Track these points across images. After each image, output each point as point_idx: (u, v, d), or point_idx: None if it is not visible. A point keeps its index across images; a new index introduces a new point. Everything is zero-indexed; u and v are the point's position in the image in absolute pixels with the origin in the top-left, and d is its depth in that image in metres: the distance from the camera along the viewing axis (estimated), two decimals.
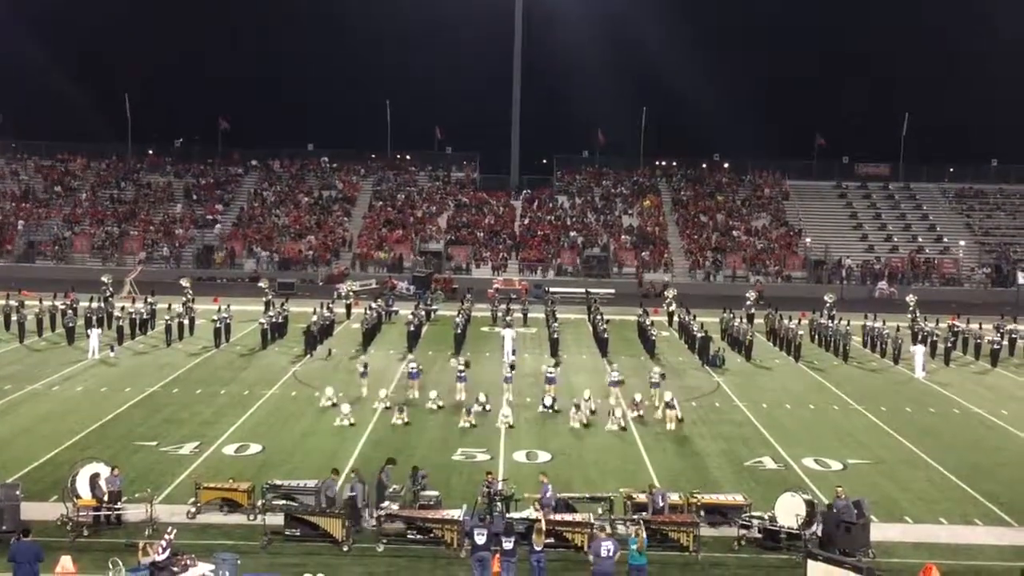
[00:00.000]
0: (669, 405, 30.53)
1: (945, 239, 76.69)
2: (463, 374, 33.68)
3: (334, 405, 31.24)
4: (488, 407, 31.44)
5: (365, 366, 34.57)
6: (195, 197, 79.43)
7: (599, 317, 46.15)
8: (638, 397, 31.86)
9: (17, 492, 20.37)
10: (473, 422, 29.87)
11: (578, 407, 30.57)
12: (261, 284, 52.85)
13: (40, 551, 17.22)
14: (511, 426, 29.90)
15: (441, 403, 32.06)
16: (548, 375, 33.62)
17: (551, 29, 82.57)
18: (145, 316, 45.28)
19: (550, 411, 31.65)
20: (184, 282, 51.26)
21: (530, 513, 20.12)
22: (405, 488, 21.87)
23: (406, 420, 29.99)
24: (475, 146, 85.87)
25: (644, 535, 18.52)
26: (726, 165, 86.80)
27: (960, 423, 32.52)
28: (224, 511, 21.58)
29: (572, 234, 75.83)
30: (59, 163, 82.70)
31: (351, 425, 29.39)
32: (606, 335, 43.27)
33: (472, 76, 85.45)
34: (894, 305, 59.06)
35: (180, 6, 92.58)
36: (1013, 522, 22.51)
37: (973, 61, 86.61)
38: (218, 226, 75.33)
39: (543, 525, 18.78)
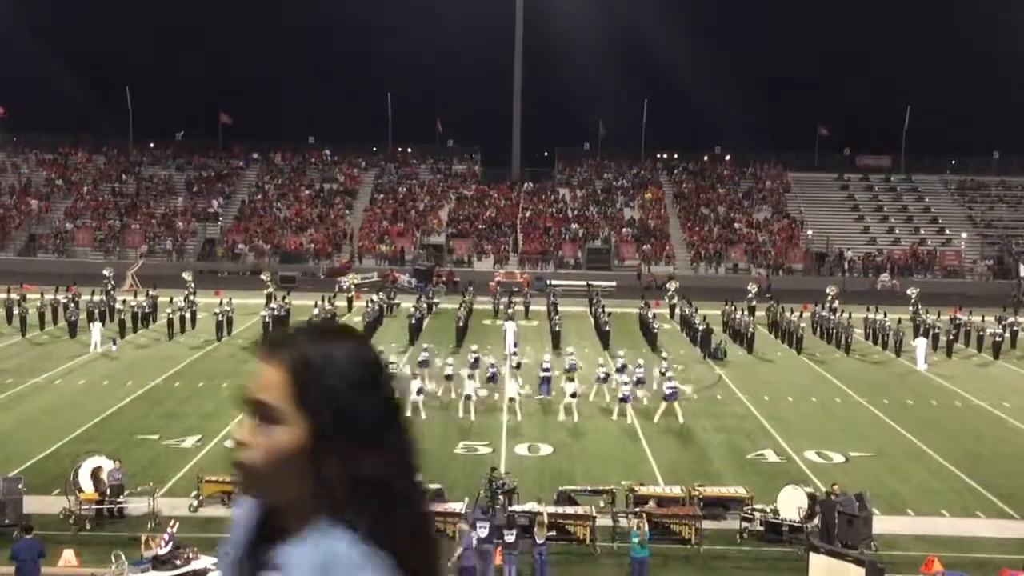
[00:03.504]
0: (666, 398, 30.29)
1: (947, 231, 76.60)
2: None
3: None
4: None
5: None
6: (196, 190, 79.42)
7: (601, 310, 46.16)
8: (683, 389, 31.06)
9: (19, 486, 20.36)
10: (474, 413, 29.77)
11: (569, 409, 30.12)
12: (263, 277, 52.75)
13: (42, 548, 17.25)
14: (520, 398, 29.82)
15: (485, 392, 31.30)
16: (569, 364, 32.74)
17: (552, 21, 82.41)
18: (147, 309, 45.25)
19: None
20: (186, 275, 51.21)
21: (532, 506, 20.12)
22: None
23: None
24: (476, 139, 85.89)
25: (646, 528, 18.54)
26: (727, 157, 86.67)
27: (962, 415, 32.50)
28: (227, 504, 21.58)
29: (573, 227, 75.80)
30: (60, 156, 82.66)
31: None
32: (608, 328, 43.25)
33: (473, 69, 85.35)
34: (896, 297, 59.02)
35: None
36: (1015, 514, 22.49)
37: (975, 53, 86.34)
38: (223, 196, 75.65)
39: (545, 518, 18.80)
